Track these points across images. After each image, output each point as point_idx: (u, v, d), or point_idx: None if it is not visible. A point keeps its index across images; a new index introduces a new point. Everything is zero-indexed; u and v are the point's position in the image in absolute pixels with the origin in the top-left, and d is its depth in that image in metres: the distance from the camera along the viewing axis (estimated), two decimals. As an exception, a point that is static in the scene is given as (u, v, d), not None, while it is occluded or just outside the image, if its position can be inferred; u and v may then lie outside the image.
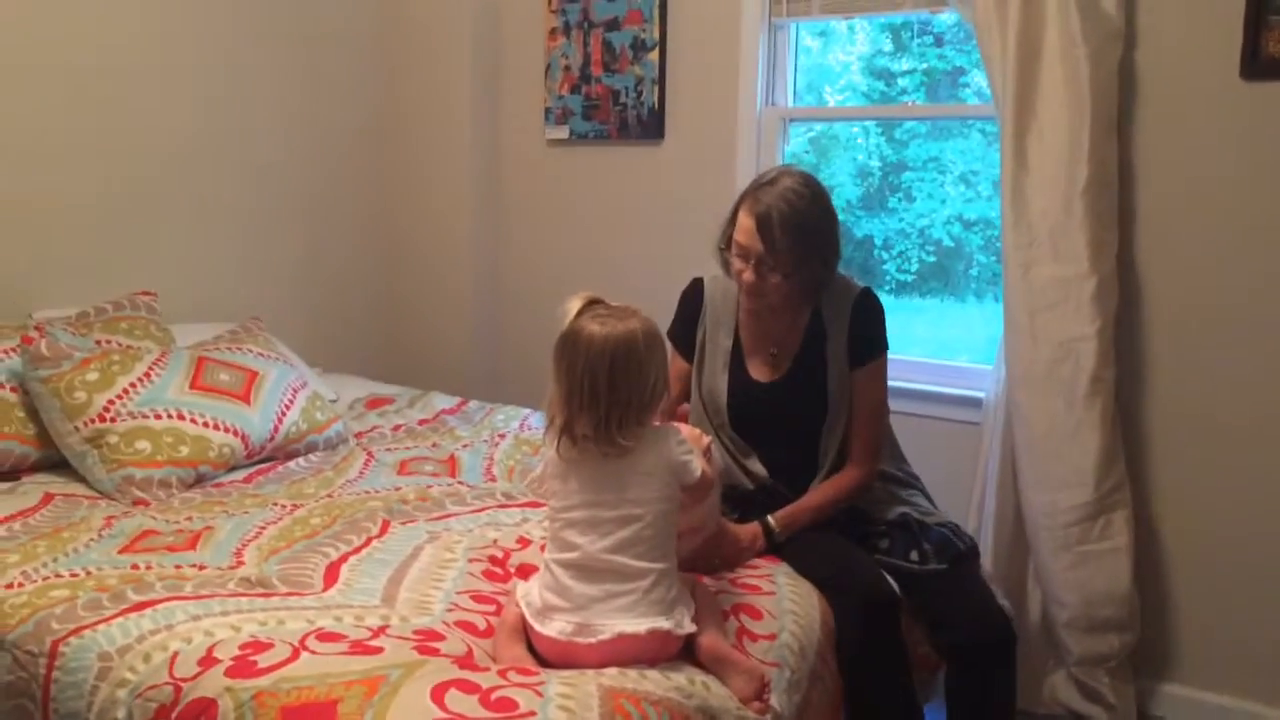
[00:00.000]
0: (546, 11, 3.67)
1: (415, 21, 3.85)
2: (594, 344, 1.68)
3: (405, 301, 4.03)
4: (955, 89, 3.27)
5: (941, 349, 3.28)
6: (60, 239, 3.00)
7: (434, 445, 2.86)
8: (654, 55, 3.47)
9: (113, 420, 2.44)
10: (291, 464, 2.68)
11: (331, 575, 1.95)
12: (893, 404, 2.33)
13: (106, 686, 1.62)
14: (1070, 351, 2.63)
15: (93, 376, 2.48)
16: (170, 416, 2.50)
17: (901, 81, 3.38)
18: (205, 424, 2.53)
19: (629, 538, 1.69)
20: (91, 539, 2.10)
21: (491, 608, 1.86)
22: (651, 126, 3.50)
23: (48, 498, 2.35)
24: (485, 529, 2.22)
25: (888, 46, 3.39)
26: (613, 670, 1.60)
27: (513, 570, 2.02)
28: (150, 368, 2.57)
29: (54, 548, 2.04)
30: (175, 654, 1.63)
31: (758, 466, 2.24)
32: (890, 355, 2.28)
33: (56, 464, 2.51)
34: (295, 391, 2.80)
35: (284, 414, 2.71)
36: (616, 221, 3.64)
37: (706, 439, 1.94)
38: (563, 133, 3.69)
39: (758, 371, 2.27)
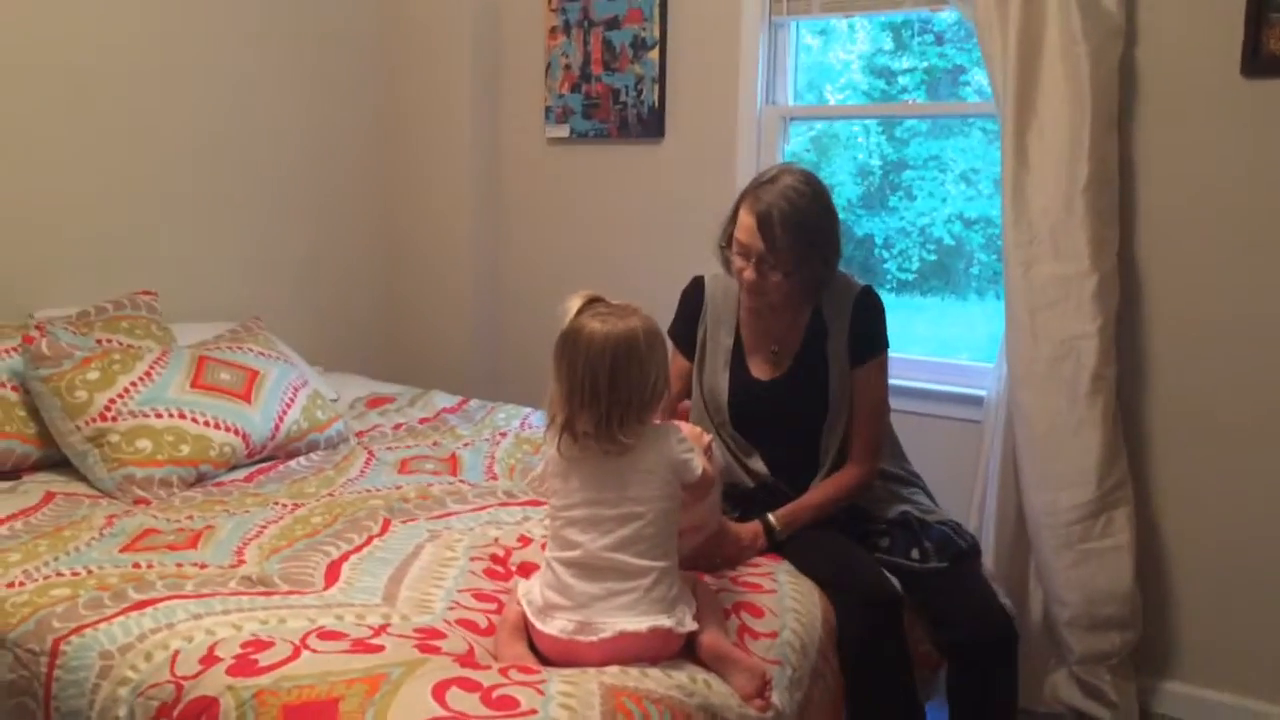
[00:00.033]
0: (546, 10, 3.67)
1: (416, 21, 3.85)
2: (595, 342, 1.68)
3: (406, 300, 4.03)
4: (956, 87, 3.27)
5: (942, 347, 3.28)
6: (61, 238, 3.00)
7: (435, 444, 2.86)
8: (654, 54, 3.46)
9: (114, 419, 2.44)
10: (292, 463, 2.68)
11: (333, 574, 1.95)
12: (894, 402, 2.33)
13: (108, 685, 1.62)
14: (1071, 349, 2.62)
15: (94, 376, 2.49)
16: (171, 415, 2.50)
17: (902, 80, 3.37)
18: (206, 423, 2.53)
19: (630, 536, 1.69)
20: (93, 538, 2.10)
21: (493, 606, 1.86)
22: (652, 125, 3.50)
23: (49, 497, 2.35)
24: (486, 527, 2.22)
25: (888, 45, 3.39)
26: (614, 668, 1.60)
27: (514, 569, 2.02)
28: (151, 367, 2.57)
29: (55, 547, 2.04)
30: (176, 652, 1.63)
31: (759, 465, 2.24)
32: (891, 354, 2.28)
33: (57, 463, 2.52)
34: (296, 390, 2.80)
35: (285, 413, 2.72)
36: (617, 220, 3.64)
37: (707, 437, 1.94)
38: (563, 131, 3.69)
39: (758, 370, 2.27)
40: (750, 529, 2.11)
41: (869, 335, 2.23)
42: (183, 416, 2.51)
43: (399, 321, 4.05)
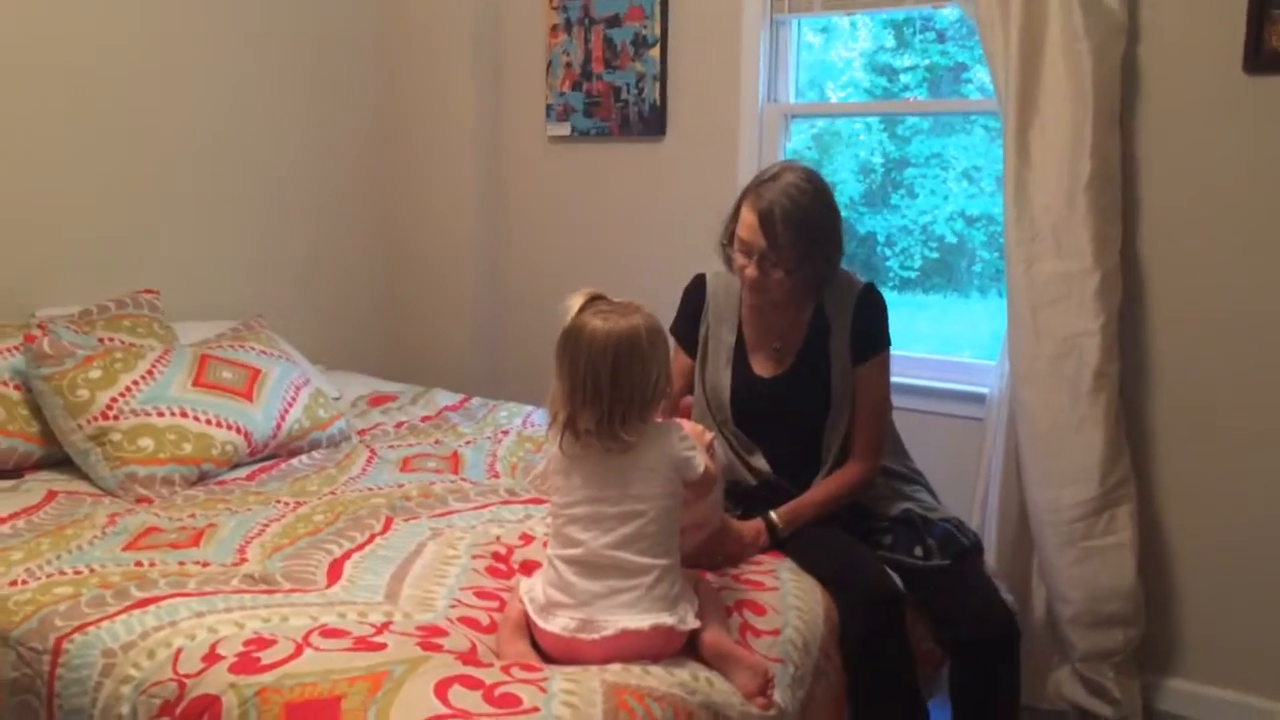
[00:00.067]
0: (547, 8, 3.67)
1: (417, 20, 3.84)
2: (597, 340, 1.68)
3: (407, 298, 4.03)
4: (958, 85, 3.27)
5: (944, 345, 3.28)
6: (63, 237, 3.00)
7: (437, 442, 2.86)
8: (655, 52, 3.46)
9: (115, 418, 2.44)
10: (294, 461, 2.68)
11: (335, 572, 1.95)
12: (896, 400, 2.33)
13: (110, 683, 1.62)
14: (1074, 347, 2.62)
15: (95, 374, 2.49)
16: (173, 414, 2.50)
17: (904, 77, 3.37)
18: (208, 421, 2.53)
19: (632, 534, 1.68)
20: (95, 536, 2.10)
21: (495, 604, 1.86)
22: (653, 123, 3.50)
23: (51, 495, 2.35)
24: (488, 525, 2.22)
25: (890, 42, 3.39)
26: (616, 666, 1.60)
27: (516, 567, 2.02)
28: (153, 365, 2.57)
29: (57, 545, 2.04)
30: (179, 650, 1.63)
31: (761, 462, 2.24)
32: (893, 351, 2.28)
33: (60, 462, 2.52)
34: (298, 389, 2.80)
35: (287, 411, 2.72)
36: (618, 218, 3.64)
37: (709, 435, 1.93)
38: (564, 129, 3.69)
39: (761, 367, 2.27)
40: (752, 527, 2.11)
41: (871, 332, 2.23)
42: (185, 415, 2.51)
43: (400, 320, 4.05)
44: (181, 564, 1.97)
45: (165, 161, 3.25)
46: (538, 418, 3.07)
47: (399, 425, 3.04)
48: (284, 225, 3.63)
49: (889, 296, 2.32)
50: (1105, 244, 2.61)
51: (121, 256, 3.15)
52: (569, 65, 3.64)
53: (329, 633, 1.67)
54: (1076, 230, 2.60)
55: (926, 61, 3.31)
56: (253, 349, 2.84)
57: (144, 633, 1.68)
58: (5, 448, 2.46)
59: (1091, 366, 2.60)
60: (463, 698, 1.46)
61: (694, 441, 1.79)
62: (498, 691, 1.48)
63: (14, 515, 2.20)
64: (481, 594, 1.89)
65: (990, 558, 2.72)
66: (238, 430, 2.58)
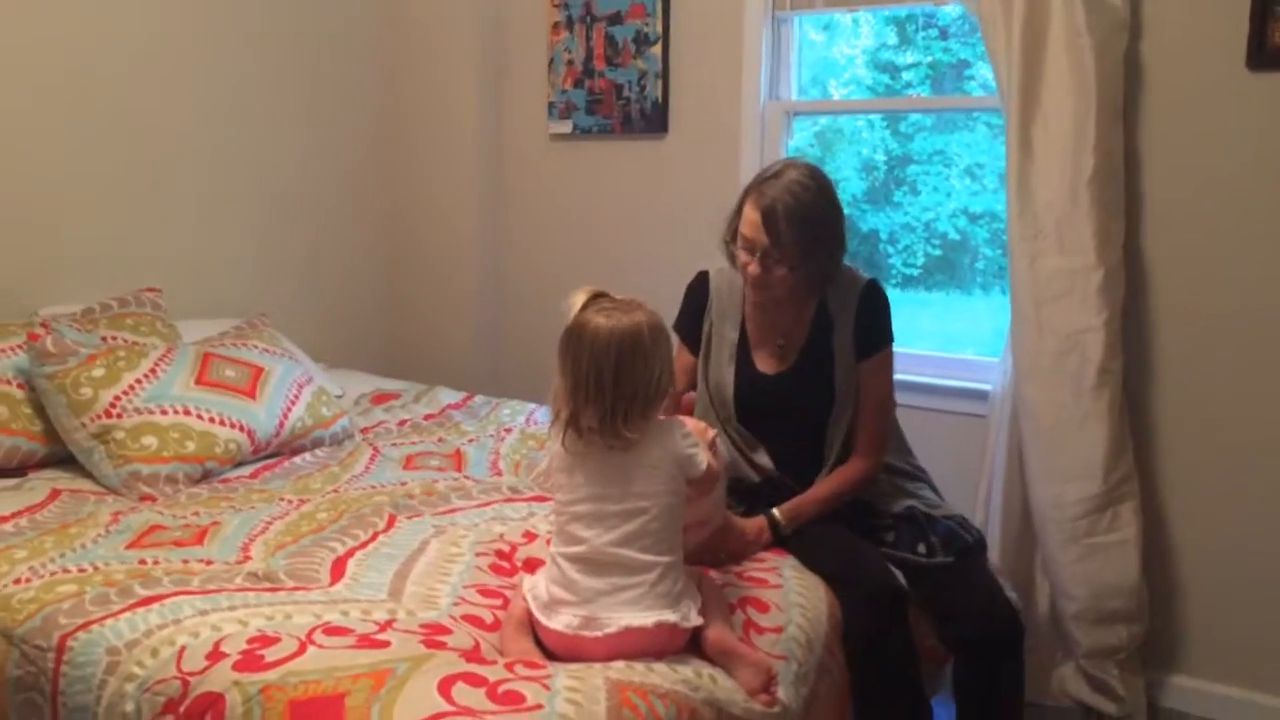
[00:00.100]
0: (549, 6, 3.66)
1: (418, 18, 3.85)
2: (599, 337, 1.68)
3: (410, 296, 4.03)
4: (960, 82, 3.26)
5: (947, 342, 3.27)
6: (65, 236, 3.01)
7: (440, 440, 2.86)
8: (657, 49, 3.46)
9: (119, 416, 2.44)
10: (297, 459, 2.69)
11: (338, 570, 1.95)
12: (899, 397, 2.32)
13: (114, 681, 1.62)
14: (1077, 343, 2.62)
15: (99, 373, 2.49)
16: (176, 412, 2.50)
17: (906, 75, 3.37)
18: (211, 419, 2.54)
19: (635, 531, 1.68)
20: (99, 534, 2.10)
21: (498, 601, 1.86)
22: (655, 121, 3.50)
23: (55, 494, 2.35)
24: (491, 523, 2.22)
25: (892, 39, 3.38)
26: (620, 663, 1.60)
27: (519, 564, 2.02)
28: (156, 364, 2.58)
29: (61, 543, 2.04)
30: (183, 648, 1.63)
31: (764, 459, 2.24)
32: (896, 349, 2.27)
33: (63, 460, 2.52)
34: (301, 387, 2.80)
35: (290, 409, 2.72)
36: (620, 216, 3.64)
37: (711, 432, 1.93)
38: (566, 127, 3.69)
39: (764, 364, 2.26)
40: (755, 524, 2.11)
41: (875, 328, 2.23)
42: (188, 413, 2.51)
43: (403, 317, 4.05)
44: (185, 562, 1.97)
45: (168, 160, 3.25)
46: (540, 415, 3.07)
47: (402, 423, 3.04)
48: (286, 223, 3.64)
49: (892, 294, 2.31)
50: (1108, 240, 2.61)
51: (124, 255, 3.15)
52: (571, 63, 3.64)
53: (332, 630, 1.67)
54: (1079, 226, 2.59)
55: (929, 58, 3.30)
56: (256, 347, 2.84)
57: (148, 631, 1.68)
58: (9, 446, 2.46)
59: (1095, 363, 2.60)
60: (466, 695, 1.46)
61: (697, 439, 1.79)
62: (501, 689, 1.49)
63: (18, 514, 2.20)
64: (485, 591, 1.89)
65: (994, 554, 2.72)
66: (241, 428, 2.58)
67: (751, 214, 2.11)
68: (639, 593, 1.66)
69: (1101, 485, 2.61)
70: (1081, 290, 2.60)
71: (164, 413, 2.49)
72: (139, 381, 2.51)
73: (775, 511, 2.12)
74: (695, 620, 1.69)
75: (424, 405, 3.22)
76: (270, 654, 1.58)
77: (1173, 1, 2.59)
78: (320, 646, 1.61)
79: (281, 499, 2.34)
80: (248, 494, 2.39)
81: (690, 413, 2.25)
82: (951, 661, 2.12)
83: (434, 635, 1.68)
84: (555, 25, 3.66)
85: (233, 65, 3.39)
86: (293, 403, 2.74)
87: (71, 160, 3.00)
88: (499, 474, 2.61)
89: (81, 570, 1.92)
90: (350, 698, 1.46)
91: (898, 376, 2.30)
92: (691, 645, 1.70)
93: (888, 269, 3.42)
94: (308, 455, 2.72)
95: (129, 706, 1.59)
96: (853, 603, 1.97)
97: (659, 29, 3.45)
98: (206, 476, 2.49)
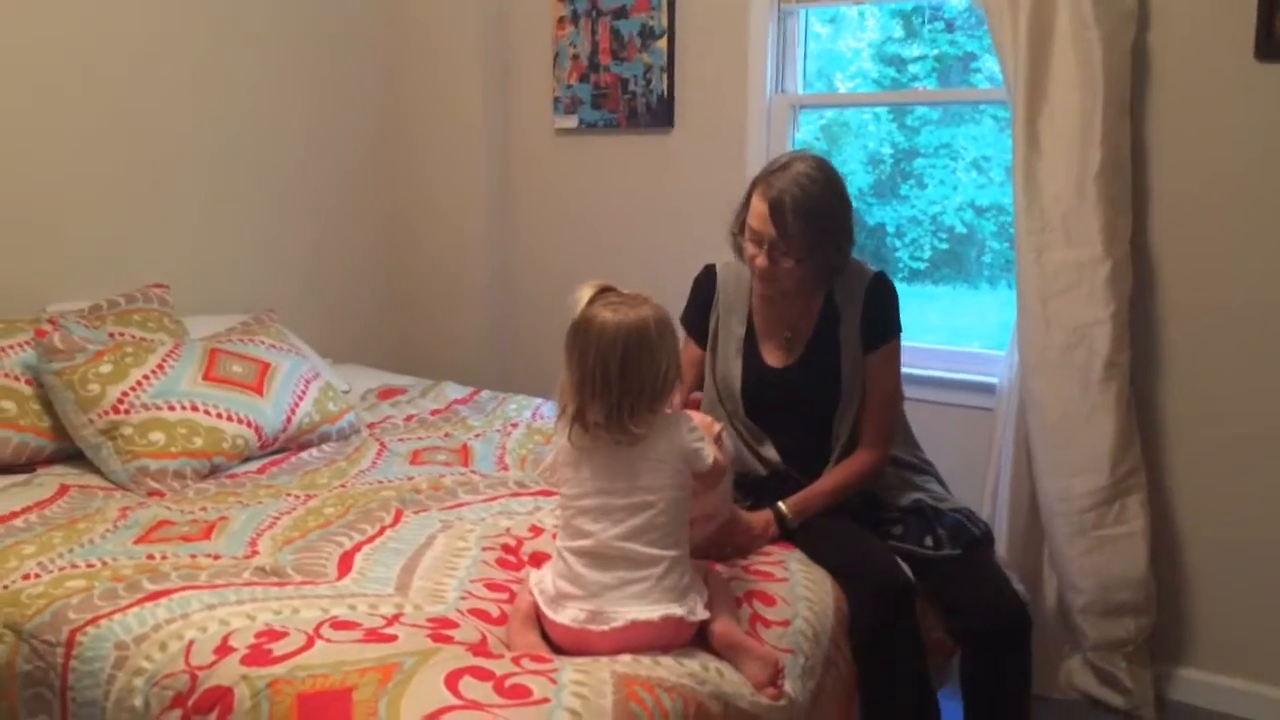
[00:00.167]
0: (554, 1, 3.66)
1: (424, 15, 3.84)
2: (606, 331, 1.68)
3: (416, 292, 4.03)
4: (967, 74, 3.25)
5: (954, 336, 3.27)
6: (73, 233, 3.01)
7: (446, 435, 2.86)
8: (662, 43, 3.45)
9: (127, 412, 2.45)
10: (305, 454, 2.69)
11: (345, 564, 1.95)
12: (906, 391, 2.32)
13: (123, 675, 1.63)
14: (1084, 336, 2.61)
15: (106, 369, 2.50)
16: (184, 408, 2.51)
17: (913, 68, 3.36)
18: (219, 415, 2.54)
19: (641, 525, 1.68)
20: (107, 530, 2.11)
21: (505, 595, 1.86)
22: (661, 115, 3.49)
23: (63, 489, 2.36)
24: (498, 518, 2.23)
25: (898, 32, 3.37)
26: (626, 657, 1.60)
27: (526, 558, 2.02)
28: (163, 360, 2.58)
29: (70, 539, 2.05)
30: (191, 643, 1.63)
31: (771, 452, 2.24)
32: (904, 342, 2.27)
33: (71, 456, 2.53)
34: (308, 382, 2.81)
35: (297, 405, 2.72)
36: (627, 210, 3.63)
37: (717, 426, 1.93)
38: (571, 122, 3.69)
39: (771, 357, 2.26)
40: (762, 517, 2.11)
41: (882, 321, 2.23)
42: (195, 409, 2.52)
43: (409, 313, 4.06)
44: (193, 557, 1.97)
45: (174, 158, 3.25)
46: (547, 410, 3.07)
47: (408, 418, 3.04)
48: (293, 219, 3.64)
49: (899, 288, 2.30)
50: (1115, 233, 2.60)
51: (131, 252, 3.16)
52: (576, 57, 3.64)
53: (340, 624, 1.67)
54: (1086, 219, 2.59)
55: (935, 51, 3.29)
56: (263, 343, 2.84)
57: (156, 625, 1.69)
58: (17, 442, 2.47)
59: (1102, 356, 2.59)
60: (473, 689, 1.47)
61: (703, 433, 1.79)
62: (508, 683, 1.49)
63: (26, 509, 2.21)
64: (491, 586, 1.90)
65: (1001, 547, 2.71)
66: (248, 424, 2.58)
67: (759, 206, 2.11)
68: (645, 587, 1.67)
69: (1109, 478, 2.61)
70: (1089, 283, 2.60)
71: (171, 408, 2.49)
72: (146, 377, 2.52)
73: (782, 505, 2.12)
74: (702, 614, 1.70)
75: (430, 400, 3.22)
76: (278, 648, 1.59)
77: (1180, -8, 2.59)
78: (328, 641, 1.61)
79: (289, 494, 2.35)
80: (255, 489, 2.39)
81: (697, 410, 2.25)
82: (959, 654, 2.12)
83: (441, 629, 1.68)
84: (560, 19, 3.66)
85: (236, 65, 3.39)
86: (300, 398, 2.74)
87: (77, 159, 3.01)
88: (505, 469, 2.61)
89: (90, 565, 1.92)
90: (358, 691, 1.46)
91: (905, 370, 2.29)
92: (698, 639, 1.71)
93: (894, 263, 3.42)
94: (315, 450, 2.73)
95: (138, 701, 1.60)
96: (859, 596, 1.97)
97: (664, 23, 3.44)
98: (214, 472, 2.50)
